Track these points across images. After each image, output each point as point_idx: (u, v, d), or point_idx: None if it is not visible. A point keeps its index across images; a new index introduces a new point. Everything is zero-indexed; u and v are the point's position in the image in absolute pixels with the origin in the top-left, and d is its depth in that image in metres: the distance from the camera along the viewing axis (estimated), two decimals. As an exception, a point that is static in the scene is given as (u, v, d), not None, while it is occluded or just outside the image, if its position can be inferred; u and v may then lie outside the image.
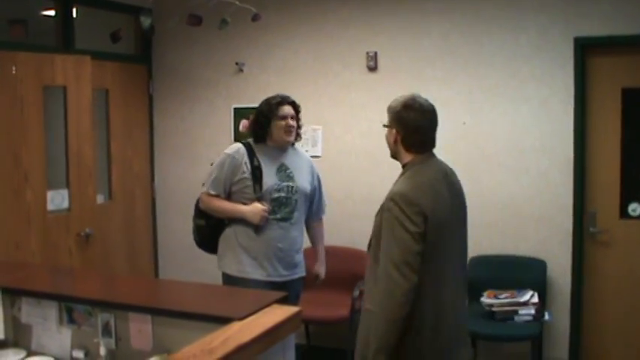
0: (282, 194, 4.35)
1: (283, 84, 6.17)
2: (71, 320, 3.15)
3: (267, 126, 4.38)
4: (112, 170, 6.36)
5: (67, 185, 5.67)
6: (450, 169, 3.42)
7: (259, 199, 4.28)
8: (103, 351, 3.00)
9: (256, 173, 4.31)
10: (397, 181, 3.24)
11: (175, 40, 6.59)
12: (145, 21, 4.59)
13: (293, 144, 4.53)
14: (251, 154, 4.36)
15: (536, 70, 5.48)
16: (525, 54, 5.50)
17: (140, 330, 2.95)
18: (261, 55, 6.37)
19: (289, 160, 4.47)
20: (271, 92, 6.16)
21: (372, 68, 5.99)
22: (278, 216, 4.34)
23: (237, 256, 4.36)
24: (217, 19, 5.14)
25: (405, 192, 3.08)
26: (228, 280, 4.38)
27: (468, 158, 5.68)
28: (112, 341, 3.03)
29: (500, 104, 5.60)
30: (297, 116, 4.46)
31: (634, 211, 5.41)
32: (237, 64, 6.43)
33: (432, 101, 5.54)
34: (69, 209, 5.67)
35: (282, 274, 4.38)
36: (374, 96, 5.91)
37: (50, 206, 5.53)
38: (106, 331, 3.04)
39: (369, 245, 3.30)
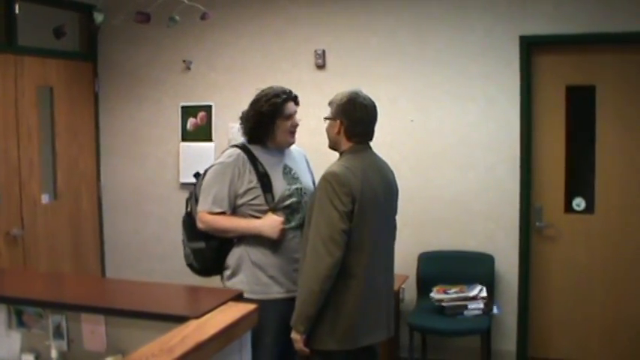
0: (294, 199, 3.79)
1: (231, 82, 6.16)
2: (21, 323, 3.06)
3: (270, 127, 3.81)
4: (58, 169, 6.24)
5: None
6: (385, 163, 3.69)
7: (274, 210, 3.74)
8: (54, 354, 2.94)
9: (265, 181, 3.75)
10: (333, 163, 3.46)
11: (122, 38, 6.50)
12: (98, 17, 4.50)
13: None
14: (253, 159, 3.79)
15: (482, 68, 5.56)
16: (472, 52, 5.59)
17: (93, 331, 2.89)
18: (209, 53, 6.33)
19: (290, 159, 3.95)
20: (219, 91, 6.22)
21: (320, 66, 6.00)
22: (293, 224, 3.77)
23: (253, 277, 3.76)
24: (165, 17, 5.09)
25: (338, 172, 3.33)
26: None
27: (416, 155, 5.75)
28: (64, 343, 2.96)
29: (448, 102, 5.67)
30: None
31: (578, 205, 5.54)
32: (184, 62, 6.38)
33: (380, 99, 5.61)
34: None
35: None
36: (322, 94, 5.85)
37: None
38: (58, 333, 2.97)
39: (302, 225, 3.58)
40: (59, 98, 6.24)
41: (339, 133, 3.52)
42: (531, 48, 5.46)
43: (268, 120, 3.79)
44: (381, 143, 5.67)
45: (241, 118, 3.93)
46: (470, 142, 5.63)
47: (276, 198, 3.75)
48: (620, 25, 5.21)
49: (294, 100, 3.92)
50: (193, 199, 3.93)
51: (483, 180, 5.61)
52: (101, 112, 6.74)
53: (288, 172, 3.86)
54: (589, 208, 5.52)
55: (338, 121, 3.51)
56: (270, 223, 3.71)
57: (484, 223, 5.63)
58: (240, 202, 3.78)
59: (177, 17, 5.05)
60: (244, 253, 3.80)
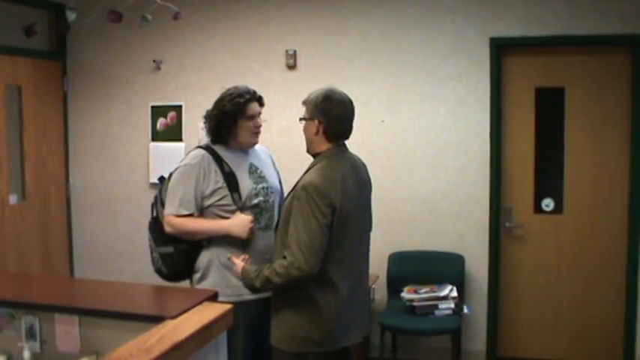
0: (261, 198, 3.77)
1: (202, 83, 6.14)
2: (-8, 324, 3.06)
3: (231, 126, 3.77)
4: (26, 169, 6.17)
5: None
6: (360, 161, 3.65)
7: (242, 210, 3.71)
8: (27, 355, 2.91)
9: (231, 180, 3.72)
10: (310, 170, 3.38)
11: (91, 37, 6.45)
12: (71, 15, 4.44)
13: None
14: (218, 159, 3.75)
15: (453, 69, 5.61)
16: (443, 54, 5.63)
17: (67, 332, 2.87)
18: (180, 53, 6.30)
19: (255, 158, 3.92)
20: (190, 91, 6.20)
21: (292, 66, 6.01)
22: (261, 224, 3.76)
23: (223, 279, 3.72)
24: (137, 16, 5.04)
25: (318, 184, 3.24)
26: None
27: (387, 155, 5.78)
28: (37, 345, 2.94)
29: (419, 103, 5.71)
30: (260, 113, 3.90)
31: (547, 206, 5.61)
32: (154, 61, 6.35)
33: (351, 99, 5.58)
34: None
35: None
36: (293, 94, 5.92)
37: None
38: (30, 334, 2.95)
39: (277, 226, 3.48)
40: (28, 97, 6.18)
41: (317, 133, 3.41)
42: (501, 50, 5.52)
43: (230, 120, 3.76)
44: (352, 143, 5.65)
45: (205, 117, 3.89)
46: (440, 142, 5.67)
47: (244, 197, 3.72)
48: (589, 28, 5.30)
49: (258, 100, 3.88)
50: (159, 203, 3.88)
51: (453, 180, 5.66)
52: (70, 112, 6.67)
53: (254, 172, 3.84)
54: (558, 209, 5.60)
55: (316, 121, 3.40)
56: (239, 222, 3.68)
57: (454, 223, 5.68)
58: (207, 203, 3.74)
59: (149, 16, 5.00)
60: (214, 255, 3.76)
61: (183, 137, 6.28)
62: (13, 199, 6.03)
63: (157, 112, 6.39)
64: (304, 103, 3.48)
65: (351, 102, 3.47)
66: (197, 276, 3.82)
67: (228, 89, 3.87)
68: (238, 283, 3.62)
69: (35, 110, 6.27)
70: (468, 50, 5.56)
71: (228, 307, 2.85)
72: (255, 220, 3.73)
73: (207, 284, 3.75)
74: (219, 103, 3.81)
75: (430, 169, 5.72)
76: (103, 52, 6.53)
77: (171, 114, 6.34)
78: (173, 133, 6.34)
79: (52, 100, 6.49)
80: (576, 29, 5.32)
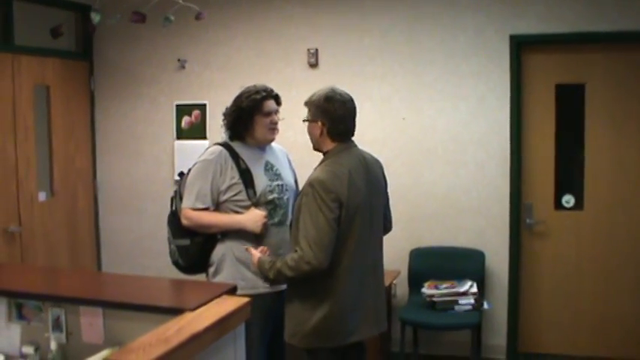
0: (275, 195, 3.89)
1: (225, 81, 6.21)
2: (21, 316, 3.14)
3: (248, 122, 3.89)
4: (54, 167, 6.29)
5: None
6: (373, 158, 3.67)
7: (255, 205, 3.82)
8: (53, 346, 3.00)
9: (246, 177, 3.83)
10: (317, 167, 3.47)
11: (117, 37, 6.56)
12: (96, 17, 4.56)
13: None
14: (235, 155, 3.86)
15: (473, 67, 5.65)
16: (463, 52, 5.67)
17: (91, 323, 2.96)
18: (203, 52, 6.39)
19: (271, 156, 4.04)
20: (214, 89, 6.27)
21: (313, 65, 6.07)
22: (275, 220, 3.88)
23: (237, 273, 3.83)
24: (160, 17, 5.15)
25: (323, 179, 3.32)
26: None
27: (408, 152, 5.83)
28: (63, 336, 3.03)
29: (439, 100, 5.75)
30: (277, 110, 4.03)
31: (568, 202, 5.62)
32: (179, 60, 6.44)
33: (372, 97, 5.68)
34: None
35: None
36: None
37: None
38: (57, 325, 3.04)
39: (291, 225, 3.60)
40: (56, 97, 6.30)
41: (321, 134, 3.49)
42: (521, 47, 5.54)
43: (247, 116, 3.87)
44: (374, 141, 5.79)
45: (224, 114, 4.00)
46: (461, 139, 5.71)
47: (258, 193, 3.83)
48: (610, 25, 5.30)
49: (275, 98, 4.00)
50: (178, 197, 4.01)
51: (474, 177, 5.69)
52: (97, 111, 6.80)
53: (269, 169, 3.95)
54: (578, 205, 5.60)
55: (319, 123, 3.48)
56: (253, 218, 3.79)
57: (475, 219, 5.72)
58: (223, 198, 3.85)
59: (172, 17, 5.11)
60: (228, 249, 3.87)
61: (207, 135, 6.34)
62: (41, 196, 6.15)
63: (182, 110, 6.49)
64: (306, 104, 3.55)
65: (351, 100, 3.53)
66: (212, 270, 3.93)
67: (247, 87, 3.98)
68: (252, 276, 3.76)
69: (63, 109, 6.39)
70: (488, 48, 5.59)
71: (245, 300, 2.92)
72: (269, 215, 3.84)
73: (221, 278, 3.86)
74: (237, 100, 3.93)
75: (451, 165, 5.75)
76: (128, 52, 6.64)
77: (196, 112, 6.43)
78: (197, 131, 6.42)
79: (80, 100, 6.61)
80: (596, 26, 5.32)
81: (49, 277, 3.74)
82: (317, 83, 5.88)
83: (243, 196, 3.82)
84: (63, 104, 6.39)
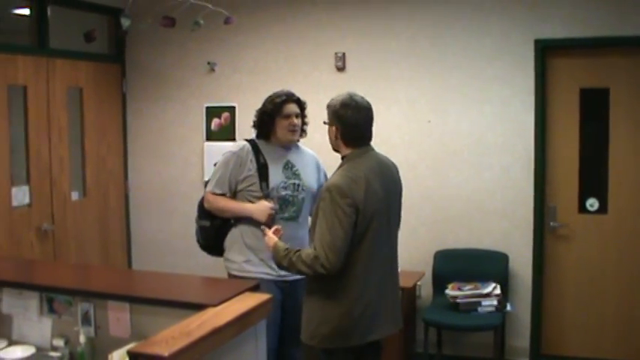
0: (289, 192, 4.22)
1: (254, 84, 6.31)
2: (52, 310, 3.27)
3: (271, 124, 4.25)
4: (86, 168, 6.44)
5: (28, 182, 5.80)
6: (388, 162, 3.75)
7: (266, 197, 4.16)
8: (82, 339, 3.12)
9: (262, 171, 4.19)
10: (335, 172, 3.56)
11: (148, 41, 6.69)
12: (126, 22, 4.67)
13: (297, 141, 4.41)
14: (257, 151, 4.23)
15: (498, 71, 5.68)
16: (488, 56, 5.71)
17: (119, 318, 3.07)
18: (232, 55, 6.50)
19: (295, 157, 4.35)
20: (242, 92, 6.37)
21: (341, 69, 6.15)
22: (285, 215, 4.21)
23: (244, 257, 4.23)
24: (190, 21, 5.24)
25: (340, 184, 3.41)
26: None
27: (433, 155, 5.88)
28: (92, 329, 3.15)
29: (464, 103, 5.80)
30: (302, 113, 4.36)
31: (592, 206, 5.63)
32: (209, 64, 6.56)
33: (398, 100, 5.74)
34: (30, 205, 5.80)
35: (289, 274, 3.98)
36: (342, 96, 6.06)
37: (14, 202, 5.65)
38: (86, 319, 3.16)
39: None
40: (88, 99, 6.44)
41: (336, 138, 3.60)
42: (546, 51, 5.57)
43: (269, 118, 4.25)
44: (399, 143, 5.86)
45: (255, 115, 4.37)
46: (485, 142, 5.75)
47: (270, 187, 4.18)
48: (634, 29, 5.31)
49: (296, 102, 4.33)
50: (206, 183, 4.46)
51: (498, 180, 5.73)
52: (128, 113, 6.94)
53: (289, 168, 4.30)
54: (602, 209, 5.60)
55: (334, 127, 3.58)
56: (260, 208, 4.15)
57: (499, 222, 5.75)
58: (240, 187, 4.24)
59: (201, 21, 5.19)
60: (238, 234, 4.28)
61: (237, 137, 6.40)
62: (74, 195, 6.31)
63: (211, 112, 6.60)
64: (327, 106, 3.66)
65: (368, 108, 3.60)
66: (225, 251, 4.37)
67: (274, 92, 4.33)
68: (259, 262, 4.19)
69: (95, 111, 6.53)
70: (513, 52, 5.62)
71: (267, 296, 3.01)
72: (280, 210, 4.19)
73: (231, 257, 4.31)
74: (264, 103, 4.33)
75: (475, 168, 5.79)
76: (159, 55, 6.78)
77: (225, 114, 6.54)
78: (226, 133, 6.52)
79: (112, 102, 6.75)
80: (621, 30, 5.32)
81: (79, 273, 3.86)
82: (344, 87, 5.95)
83: (256, 187, 4.19)
84: (96, 106, 6.53)
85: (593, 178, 5.65)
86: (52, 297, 3.25)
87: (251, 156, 4.22)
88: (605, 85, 5.52)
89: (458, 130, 5.83)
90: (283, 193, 4.20)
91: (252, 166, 4.21)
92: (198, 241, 4.47)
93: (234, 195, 4.27)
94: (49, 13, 5.99)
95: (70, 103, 6.22)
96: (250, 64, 6.45)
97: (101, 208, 6.62)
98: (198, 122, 6.66)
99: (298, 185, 4.27)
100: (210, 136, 6.58)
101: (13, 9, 6.13)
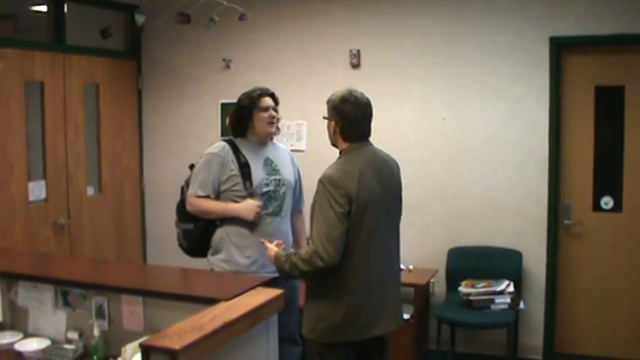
0: (271, 188, 4.26)
1: (269, 81, 6.26)
2: (66, 303, 3.31)
3: (248, 119, 4.28)
4: (102, 163, 6.49)
5: (44, 177, 5.86)
6: (388, 158, 3.75)
7: (251, 196, 4.19)
8: (96, 332, 3.16)
9: (245, 170, 4.21)
10: (330, 165, 3.57)
11: (164, 37, 6.73)
12: (140, 18, 4.71)
13: (272, 138, 4.44)
14: (236, 150, 4.25)
15: (513, 68, 5.67)
16: (503, 53, 5.69)
17: (132, 311, 3.11)
18: (247, 52, 6.52)
19: (272, 153, 4.39)
20: (257, 89, 6.37)
21: (355, 65, 6.15)
22: (269, 210, 4.25)
23: (231, 256, 4.21)
24: (205, 18, 5.28)
25: (332, 175, 3.45)
26: None
27: (447, 152, 5.87)
28: (105, 323, 3.19)
29: (479, 101, 5.79)
30: (276, 108, 4.38)
31: (606, 204, 5.61)
32: (224, 60, 6.59)
33: (412, 98, 5.73)
34: (46, 200, 5.86)
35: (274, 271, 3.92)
36: (357, 92, 6.07)
37: (31, 197, 5.71)
38: (100, 313, 3.20)
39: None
40: (104, 95, 6.50)
41: (335, 132, 3.61)
42: (561, 49, 5.55)
43: (247, 111, 4.28)
44: (413, 141, 5.87)
45: (228, 115, 4.48)
46: (499, 140, 5.74)
47: (254, 185, 4.20)
48: (650, 27, 5.30)
49: (271, 96, 4.37)
50: (186, 186, 4.36)
51: (512, 177, 5.72)
52: (144, 109, 6.99)
53: (269, 164, 4.33)
54: (617, 207, 5.58)
55: (333, 122, 3.60)
56: (247, 207, 4.17)
57: (513, 219, 5.74)
58: (222, 188, 4.24)
59: (216, 18, 5.23)
60: (225, 234, 4.25)
61: (251, 133, 6.45)
62: (90, 190, 6.37)
63: (227, 109, 6.58)
64: (327, 101, 3.67)
65: (367, 104, 3.61)
66: (211, 251, 4.32)
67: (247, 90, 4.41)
68: (245, 261, 4.19)
69: (111, 107, 6.58)
70: (527, 50, 5.61)
71: (279, 291, 3.03)
72: (264, 206, 4.22)
73: (218, 258, 4.25)
74: (238, 101, 4.38)
75: (489, 166, 5.78)
76: (175, 52, 6.81)
77: (233, 110, 6.54)
78: (241, 130, 6.52)
79: (127, 98, 6.80)
80: (636, 28, 5.29)
81: (93, 267, 3.91)
82: (359, 84, 5.95)
83: (240, 187, 4.20)
84: (111, 102, 6.58)
85: (608, 176, 5.62)
86: (66, 290, 3.29)
87: (232, 156, 4.23)
88: (620, 82, 5.49)
89: (472, 127, 5.82)
90: (266, 189, 4.25)
91: (234, 166, 4.22)
92: (180, 245, 4.43)
93: (217, 196, 4.26)
94: (65, 9, 6.05)
95: (87, 99, 6.27)
96: (265, 60, 6.47)
97: (116, 203, 6.68)
98: (214, 118, 6.69)
99: (279, 180, 4.33)
100: (226, 132, 6.59)
101: (30, 6, 6.20)
